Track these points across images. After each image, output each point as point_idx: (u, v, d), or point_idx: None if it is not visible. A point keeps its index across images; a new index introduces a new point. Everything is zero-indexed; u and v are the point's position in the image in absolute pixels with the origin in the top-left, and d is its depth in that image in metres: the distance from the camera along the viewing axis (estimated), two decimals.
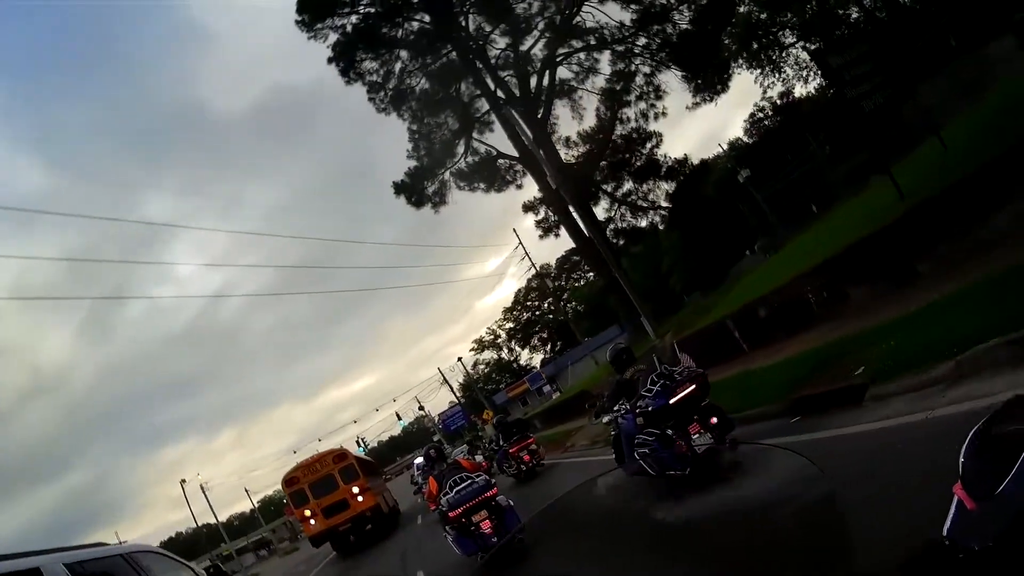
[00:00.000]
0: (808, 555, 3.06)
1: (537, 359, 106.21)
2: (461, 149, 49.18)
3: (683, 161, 52.06)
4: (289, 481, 29.04)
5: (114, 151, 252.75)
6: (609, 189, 52.67)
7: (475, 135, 49.29)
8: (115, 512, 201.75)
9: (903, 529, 2.59)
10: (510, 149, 47.82)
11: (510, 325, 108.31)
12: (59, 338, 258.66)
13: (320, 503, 28.14)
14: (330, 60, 45.63)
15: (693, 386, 9.16)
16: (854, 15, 39.06)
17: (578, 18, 46.28)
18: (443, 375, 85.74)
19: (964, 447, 1.84)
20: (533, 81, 47.86)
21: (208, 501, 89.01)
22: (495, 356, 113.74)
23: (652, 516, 7.63)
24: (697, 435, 9.04)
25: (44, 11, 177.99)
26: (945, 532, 1.75)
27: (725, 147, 51.79)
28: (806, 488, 3.44)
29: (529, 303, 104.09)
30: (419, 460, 26.81)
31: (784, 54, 42.22)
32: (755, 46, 42.12)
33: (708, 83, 44.84)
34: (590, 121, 50.69)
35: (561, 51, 47.34)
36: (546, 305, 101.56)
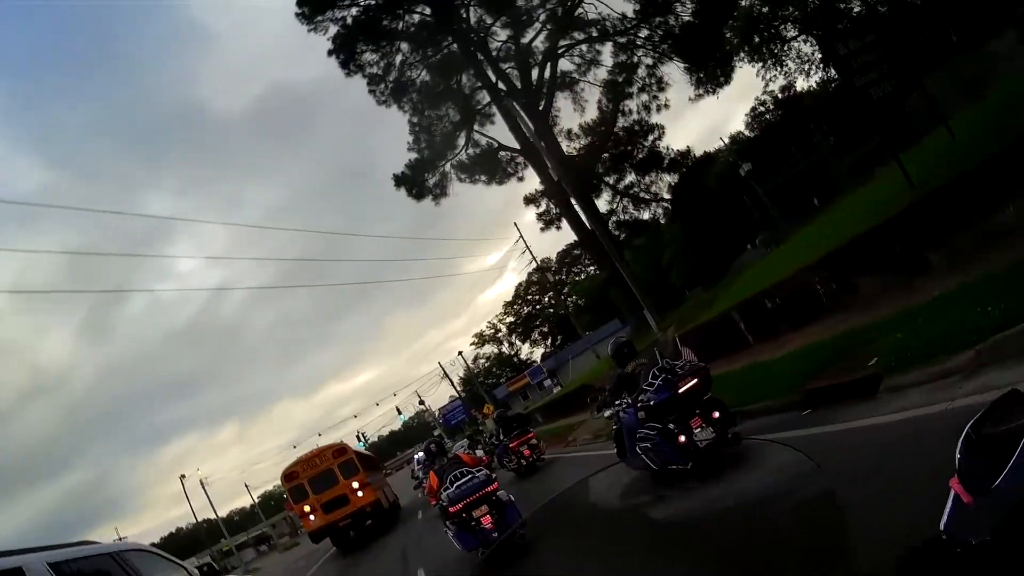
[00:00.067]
0: (807, 554, 3.02)
1: (538, 353, 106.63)
2: (462, 141, 49.00)
3: (685, 153, 51.79)
4: (288, 476, 28.78)
5: (114, 150, 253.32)
6: (611, 181, 52.48)
7: (476, 127, 49.09)
8: (116, 509, 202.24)
9: (915, 525, 2.32)
10: (511, 141, 47.67)
11: (511, 319, 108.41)
12: (60, 337, 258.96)
13: (320, 498, 27.89)
14: (330, 53, 45.44)
15: (695, 380, 9.14)
16: (856, 9, 38.77)
17: (580, 9, 46.04)
18: (443, 369, 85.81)
19: (960, 442, 1.88)
20: (534, 73, 47.61)
21: (208, 496, 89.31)
22: (496, 350, 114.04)
23: (652, 512, 7.57)
24: (699, 429, 8.97)
25: (44, 11, 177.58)
26: (942, 527, 1.80)
27: (726, 140, 51.55)
28: (805, 485, 3.43)
29: (530, 297, 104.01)
30: (419, 455, 26.64)
31: (786, 48, 41.96)
32: (757, 39, 41.84)
33: (711, 75, 44.54)
34: (592, 113, 50.52)
35: (563, 43, 47.09)
36: (547, 299, 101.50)
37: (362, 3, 45.11)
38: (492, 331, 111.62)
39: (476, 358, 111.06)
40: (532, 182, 52.88)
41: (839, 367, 10.96)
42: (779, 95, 48.05)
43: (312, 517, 28.00)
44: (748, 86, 76.87)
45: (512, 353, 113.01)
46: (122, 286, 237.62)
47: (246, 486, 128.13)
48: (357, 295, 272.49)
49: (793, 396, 11.23)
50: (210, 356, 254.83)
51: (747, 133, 51.83)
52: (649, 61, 47.12)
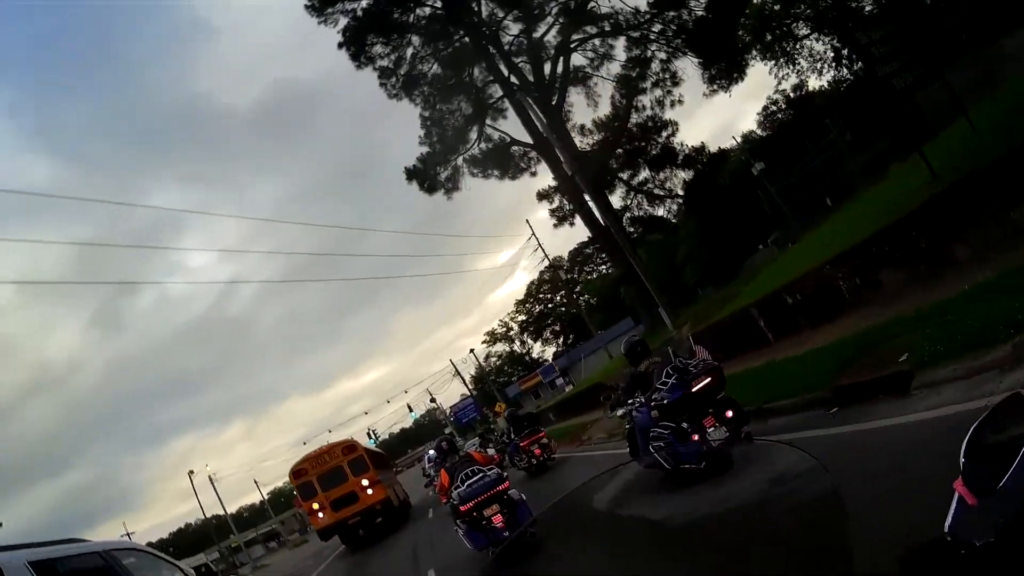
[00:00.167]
0: (812, 555, 2.98)
1: (549, 352, 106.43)
2: (474, 135, 48.77)
3: (700, 149, 51.34)
4: (297, 473, 28.48)
5: (123, 145, 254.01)
6: (625, 177, 52.09)
7: (488, 121, 48.87)
8: (125, 505, 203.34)
9: (925, 526, 2.20)
10: (524, 136, 47.44)
11: (522, 318, 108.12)
12: (69, 332, 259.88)
13: (329, 496, 27.54)
14: (340, 45, 45.23)
15: (709, 379, 9.09)
16: (867, 8, 38.33)
17: (592, 3, 45.74)
18: (455, 367, 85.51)
19: (964, 443, 1.87)
20: (547, 68, 47.44)
21: (216, 492, 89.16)
22: (507, 349, 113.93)
23: (663, 512, 7.53)
24: (712, 428, 8.93)
25: (51, 9, 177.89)
26: (947, 528, 1.77)
27: (738, 139, 51.26)
28: (812, 487, 3.32)
29: (542, 295, 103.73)
30: (431, 452, 26.31)
31: (798, 46, 41.53)
32: (769, 37, 41.43)
33: (724, 71, 44.08)
34: (605, 109, 50.17)
35: (575, 37, 46.84)
36: (559, 298, 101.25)
37: None
38: (504, 329, 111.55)
39: (488, 356, 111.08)
40: (544, 178, 53.03)
41: (867, 364, 10.57)
42: (791, 94, 47.82)
43: (321, 515, 27.63)
44: (759, 86, 76.63)
45: (524, 352, 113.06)
46: (132, 279, 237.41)
47: (255, 482, 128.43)
48: (367, 292, 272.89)
49: (820, 394, 10.88)
50: (220, 352, 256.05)
51: (759, 132, 51.56)
52: (663, 55, 46.81)
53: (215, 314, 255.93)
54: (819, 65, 41.49)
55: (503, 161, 50.02)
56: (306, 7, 44.60)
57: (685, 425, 8.99)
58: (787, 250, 36.89)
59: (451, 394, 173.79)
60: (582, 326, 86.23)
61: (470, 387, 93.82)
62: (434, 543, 18.27)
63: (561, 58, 47.03)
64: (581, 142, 49.83)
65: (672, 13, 44.82)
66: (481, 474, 11.32)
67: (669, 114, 49.20)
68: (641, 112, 49.26)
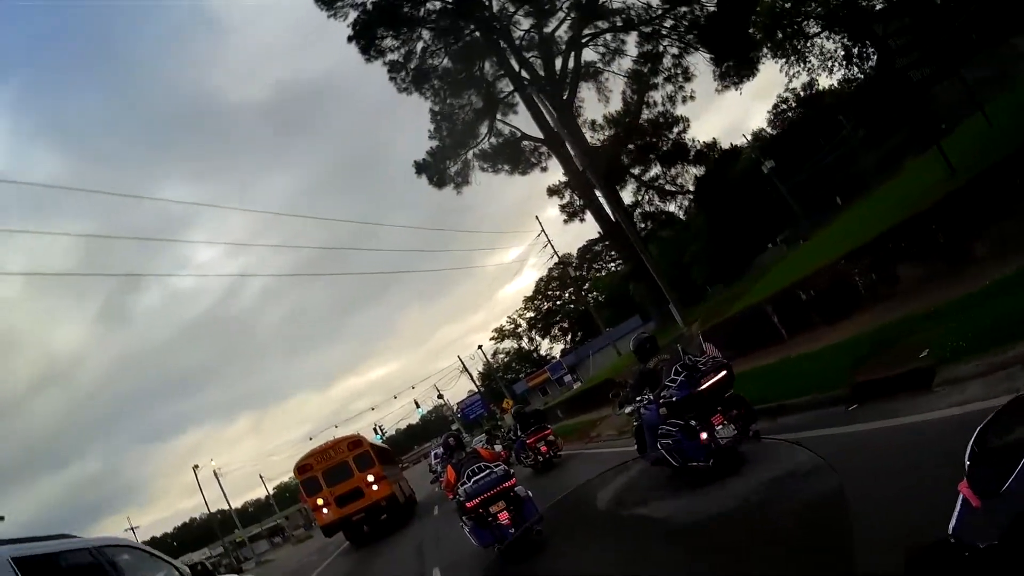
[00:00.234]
0: (816, 555, 3.08)
1: (557, 349, 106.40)
2: (484, 130, 48.84)
3: (712, 145, 51.18)
4: (301, 468, 28.15)
5: (130, 140, 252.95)
6: (636, 172, 52.06)
7: (499, 116, 48.96)
8: (130, 499, 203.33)
9: (931, 526, 2.35)
10: (535, 131, 47.58)
11: (531, 314, 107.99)
12: (76, 326, 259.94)
13: (333, 491, 27.23)
14: (350, 39, 45.31)
15: (717, 377, 9.11)
16: (878, 6, 38.00)
17: None
18: (463, 363, 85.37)
19: (969, 446, 1.96)
20: (558, 63, 47.47)
21: (221, 487, 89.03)
22: (515, 345, 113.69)
23: (669, 511, 7.38)
24: (721, 426, 8.94)
25: (56, 7, 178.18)
26: (951, 530, 1.80)
27: (748, 137, 51.03)
28: (820, 491, 3.47)
29: (550, 292, 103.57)
30: (438, 449, 26.02)
31: (809, 43, 41.21)
32: (780, 35, 41.13)
33: (736, 67, 43.83)
34: (616, 104, 50.17)
35: (587, 32, 46.89)
36: (567, 295, 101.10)
37: None
38: (512, 326, 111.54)
39: (495, 353, 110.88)
40: (555, 174, 52.90)
41: (885, 360, 10.32)
42: (801, 93, 47.62)
43: (325, 510, 27.34)
44: (768, 84, 76.23)
45: (532, 349, 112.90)
46: (139, 273, 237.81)
47: (260, 477, 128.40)
48: (376, 288, 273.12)
49: (838, 390, 10.60)
50: (227, 347, 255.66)
51: (769, 130, 51.32)
52: (675, 51, 46.75)
53: (222, 310, 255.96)
54: (830, 63, 41.23)
55: (513, 156, 50.02)
56: (315, 1, 44.53)
57: (694, 423, 8.92)
58: (797, 248, 36.82)
59: (458, 390, 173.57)
60: (590, 323, 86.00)
61: (477, 384, 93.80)
62: (440, 540, 18.19)
63: (572, 53, 47.06)
64: (592, 137, 49.94)
65: (684, 8, 44.83)
66: (488, 471, 11.14)
67: (680, 110, 49.32)
68: (652, 108, 49.30)
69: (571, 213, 54.95)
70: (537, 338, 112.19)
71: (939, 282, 12.71)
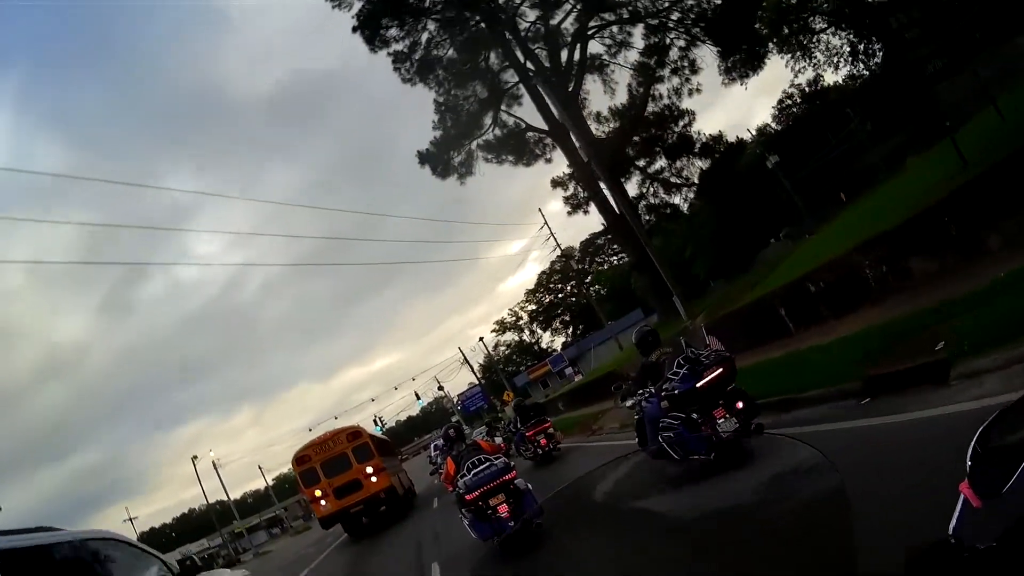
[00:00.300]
0: (815, 554, 2.96)
1: (558, 342, 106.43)
2: (488, 121, 48.72)
3: (718, 138, 50.91)
4: (300, 459, 27.92)
5: (135, 132, 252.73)
6: (641, 165, 51.89)
7: (503, 107, 48.82)
8: (131, 489, 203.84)
9: (934, 526, 2.15)
10: (539, 122, 47.45)
11: (532, 307, 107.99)
12: (78, 316, 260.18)
13: (332, 483, 27.03)
14: (355, 29, 45.07)
15: (720, 370, 9.07)
16: None
17: None
18: (464, 355, 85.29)
19: (971, 446, 2.00)
20: (564, 54, 47.30)
21: (220, 478, 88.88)
22: (516, 338, 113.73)
23: (667, 506, 7.29)
24: (722, 420, 8.88)
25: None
26: (951, 530, 1.80)
27: (753, 132, 50.76)
28: (819, 489, 3.36)
29: (552, 285, 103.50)
30: (438, 440, 25.84)
31: (815, 39, 40.98)
32: (786, 31, 40.90)
33: (744, 60, 43.55)
34: (622, 97, 50.03)
35: (593, 24, 46.79)
36: (569, 288, 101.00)
37: None
38: (513, 319, 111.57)
39: (496, 345, 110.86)
40: (559, 166, 52.97)
41: (899, 353, 10.09)
42: (806, 88, 47.53)
43: (323, 502, 27.14)
44: (774, 80, 75.96)
45: (533, 341, 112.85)
46: (142, 267, 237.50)
47: (259, 468, 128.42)
48: (377, 279, 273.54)
49: (850, 384, 10.38)
50: (228, 338, 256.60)
51: (774, 126, 51.09)
52: (682, 43, 46.57)
53: (225, 301, 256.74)
54: (835, 59, 41.04)
55: (518, 147, 49.92)
56: None
57: (695, 416, 8.94)
58: (800, 243, 36.63)
59: (459, 382, 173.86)
60: (592, 316, 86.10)
61: (478, 376, 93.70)
62: (439, 534, 18.08)
63: (578, 45, 46.95)
64: (597, 129, 49.81)
65: (691, 1, 44.67)
66: (488, 463, 11.11)
67: (686, 103, 49.09)
68: (658, 101, 49.11)
69: (575, 205, 54.89)
70: (538, 331, 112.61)
71: (952, 275, 12.53)
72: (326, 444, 28.10)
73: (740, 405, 9.00)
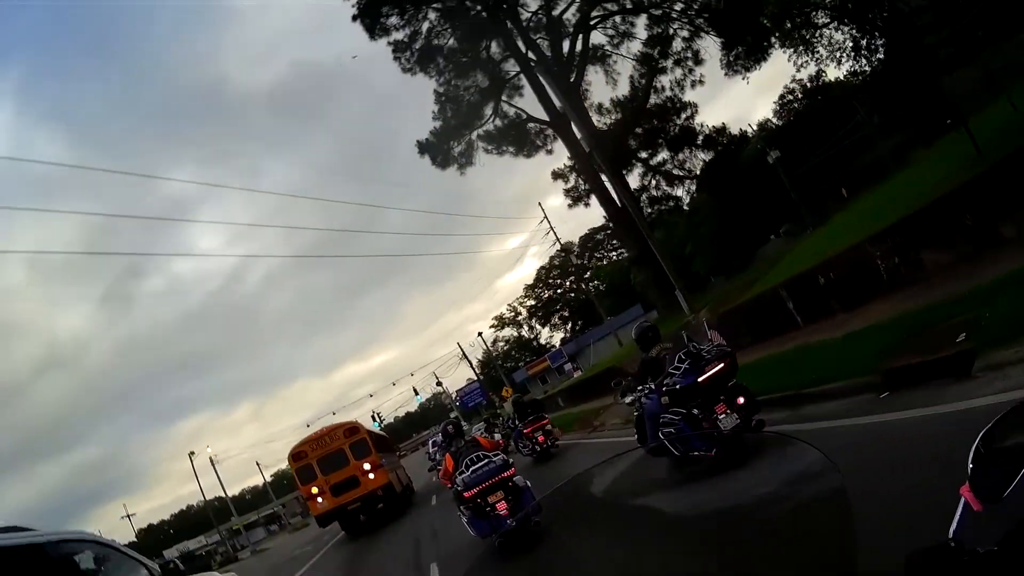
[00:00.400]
0: (812, 555, 2.77)
1: (557, 338, 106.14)
2: (489, 111, 48.55)
3: (721, 130, 50.58)
4: (296, 455, 27.49)
5: (136, 126, 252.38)
6: (643, 156, 51.64)
7: (504, 98, 48.64)
8: (130, 485, 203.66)
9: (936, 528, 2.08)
10: (540, 113, 47.24)
11: (531, 303, 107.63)
12: (78, 311, 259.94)
13: (328, 480, 26.58)
14: (355, 18, 44.81)
15: (722, 364, 9.07)
16: None
17: None
18: (462, 351, 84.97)
19: (973, 449, 1.88)
20: (566, 45, 47.09)
21: (217, 474, 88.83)
22: (515, 334, 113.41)
23: (662, 504, 6.87)
24: (723, 415, 8.97)
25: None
26: (951, 534, 1.76)
27: (754, 127, 50.44)
28: (819, 490, 2.96)
29: (551, 281, 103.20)
30: (436, 437, 25.50)
31: (818, 34, 40.70)
32: (789, 25, 40.61)
33: (747, 52, 43.24)
34: (624, 88, 49.79)
35: (595, 14, 46.53)
36: (568, 283, 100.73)
37: None
38: (512, 314, 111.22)
39: (495, 341, 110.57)
40: (559, 158, 52.79)
41: (918, 345, 9.75)
42: (808, 84, 47.41)
43: (320, 500, 26.69)
44: (775, 75, 75.78)
45: (532, 337, 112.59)
46: (142, 261, 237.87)
47: (257, 464, 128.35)
48: (376, 274, 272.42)
49: (868, 378, 10.00)
50: (227, 333, 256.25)
51: (775, 121, 50.86)
52: (685, 33, 46.27)
53: (224, 296, 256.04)
54: (838, 54, 40.77)
55: (519, 138, 49.72)
56: None
57: (696, 411, 9.03)
58: (801, 240, 36.35)
59: (457, 378, 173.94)
60: (591, 312, 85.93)
61: (477, 371, 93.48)
62: (437, 531, 17.91)
63: (580, 35, 46.68)
64: (598, 121, 49.65)
65: None
66: (486, 460, 11.10)
67: (689, 95, 48.87)
68: (661, 93, 48.91)
69: (576, 197, 54.71)
70: (537, 326, 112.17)
71: (967, 266, 12.17)
72: (323, 440, 27.64)
73: (741, 401, 9.02)
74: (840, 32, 39.00)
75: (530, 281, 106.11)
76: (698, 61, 46.01)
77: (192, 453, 73.21)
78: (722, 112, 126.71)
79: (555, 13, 46.07)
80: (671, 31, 46.05)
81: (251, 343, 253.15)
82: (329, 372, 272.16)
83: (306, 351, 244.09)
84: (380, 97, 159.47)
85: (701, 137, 50.28)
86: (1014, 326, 8.04)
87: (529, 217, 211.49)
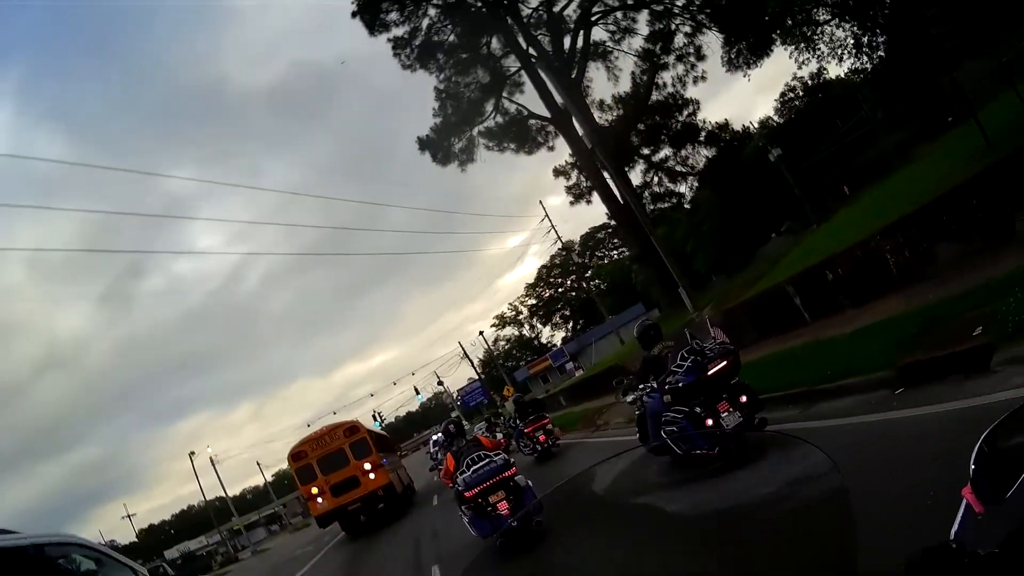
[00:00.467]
0: (811, 556, 2.77)
1: (558, 337, 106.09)
2: (490, 108, 48.30)
3: (724, 126, 50.36)
4: (296, 455, 27.21)
5: (135, 126, 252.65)
6: (646, 153, 51.35)
7: (505, 94, 48.45)
8: (131, 485, 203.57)
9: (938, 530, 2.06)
10: (541, 110, 47.08)
11: (532, 302, 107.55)
12: (77, 310, 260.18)
13: (329, 480, 26.31)
14: (354, 14, 44.59)
15: (725, 362, 9.12)
16: None
17: None
18: (464, 350, 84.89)
19: (975, 450, 1.87)
20: (567, 41, 46.90)
21: (218, 475, 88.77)
22: (516, 333, 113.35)
23: (669, 500, 6.67)
24: (726, 414, 8.99)
25: None
26: (952, 535, 1.76)
27: (755, 125, 50.24)
28: (819, 492, 3.01)
29: (552, 280, 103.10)
30: (437, 436, 25.31)
31: (819, 31, 40.59)
32: (790, 22, 40.48)
33: (750, 47, 42.98)
34: (625, 85, 49.62)
35: (596, 10, 46.31)
36: (569, 282, 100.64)
37: None
38: (513, 313, 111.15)
39: (496, 340, 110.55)
40: (560, 155, 52.80)
41: (933, 340, 9.50)
42: (808, 82, 47.39)
43: (320, 500, 26.42)
44: (772, 77, 75.81)
45: (533, 336, 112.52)
46: (143, 259, 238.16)
47: (258, 464, 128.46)
48: (377, 274, 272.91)
49: (882, 373, 9.78)
50: (227, 333, 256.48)
51: (776, 119, 50.68)
52: (687, 29, 45.98)
53: (224, 296, 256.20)
54: (839, 51, 40.62)
55: (520, 134, 49.48)
56: None
57: (699, 410, 9.05)
58: (803, 238, 36.16)
59: (459, 378, 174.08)
60: (592, 311, 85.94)
61: (478, 371, 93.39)
62: (438, 531, 17.79)
63: (581, 31, 46.46)
64: (600, 117, 49.40)
65: None
66: (488, 459, 11.10)
67: (691, 92, 48.62)
68: (662, 89, 48.61)
69: (577, 195, 54.37)
70: (538, 326, 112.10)
71: (979, 259, 11.89)
72: (323, 440, 27.35)
73: (744, 399, 9.05)
74: (841, 29, 38.94)
75: (531, 280, 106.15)
76: (700, 57, 45.71)
77: (192, 453, 73.20)
78: (722, 111, 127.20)
79: (556, 9, 45.85)
80: (673, 26, 45.83)
81: (251, 343, 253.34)
82: (329, 372, 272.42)
83: (306, 351, 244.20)
84: (380, 95, 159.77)
85: (704, 133, 49.98)
86: None
87: (530, 216, 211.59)
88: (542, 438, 22.22)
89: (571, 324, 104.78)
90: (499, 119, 48.46)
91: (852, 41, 36.42)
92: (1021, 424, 1.89)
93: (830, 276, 16.60)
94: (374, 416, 77.20)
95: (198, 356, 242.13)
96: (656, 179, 51.71)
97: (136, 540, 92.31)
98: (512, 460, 11.56)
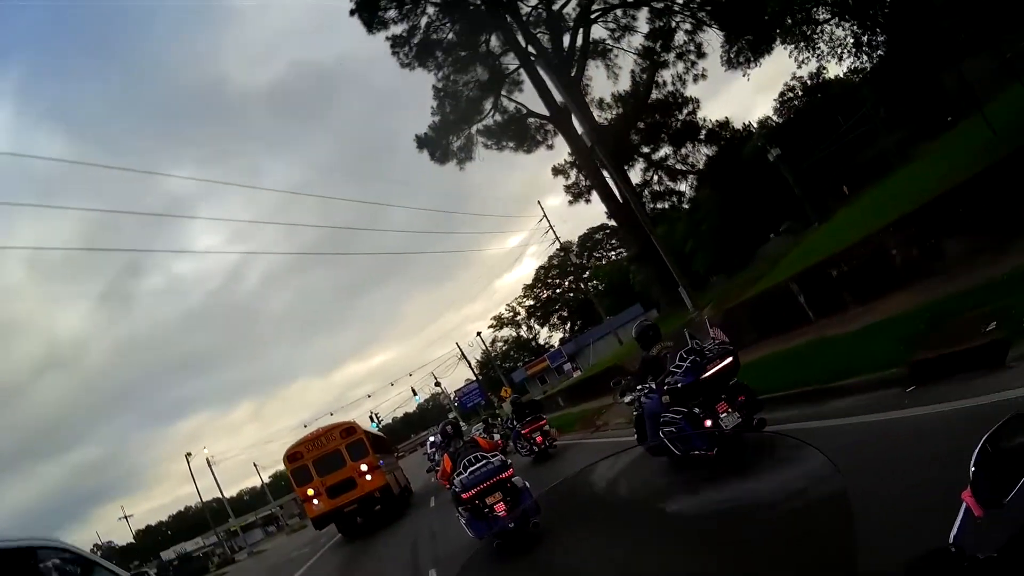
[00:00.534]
0: (809, 557, 2.60)
1: (556, 338, 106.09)
2: (488, 106, 48.22)
3: (724, 124, 50.23)
4: (292, 456, 26.98)
5: (135, 126, 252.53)
6: (646, 151, 51.27)
7: (504, 93, 48.38)
8: (129, 486, 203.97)
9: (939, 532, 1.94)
10: (540, 108, 46.98)
11: (530, 303, 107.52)
12: (77, 311, 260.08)
13: (325, 481, 26.10)
14: (352, 12, 44.44)
15: (724, 362, 9.08)
16: None
17: None
18: (461, 351, 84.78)
19: (975, 453, 1.82)
20: (566, 39, 46.77)
21: (214, 475, 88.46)
22: (514, 334, 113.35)
23: (668, 501, 6.47)
24: (725, 414, 8.95)
25: None
26: (951, 539, 1.74)
27: (754, 125, 50.11)
28: (818, 493, 2.93)
29: (550, 280, 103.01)
30: (435, 437, 25.12)
31: (819, 30, 40.51)
32: (789, 21, 40.38)
33: (750, 45, 42.81)
34: (625, 83, 49.53)
35: (596, 8, 46.30)
36: (567, 283, 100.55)
37: None
38: (511, 314, 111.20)
39: (494, 341, 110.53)
40: (559, 153, 52.82)
41: (944, 337, 9.28)
42: (808, 81, 47.19)
43: (316, 502, 26.23)
44: (771, 77, 75.74)
45: (531, 337, 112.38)
46: (142, 259, 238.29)
47: (255, 465, 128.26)
48: (375, 274, 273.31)
49: (892, 371, 9.56)
50: (227, 333, 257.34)
51: (775, 119, 50.58)
52: (687, 27, 45.89)
53: (224, 297, 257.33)
54: (839, 50, 40.53)
55: (519, 133, 49.38)
56: None
57: (697, 410, 9.03)
58: (802, 238, 36.03)
59: (456, 379, 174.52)
60: (590, 312, 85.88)
61: (476, 372, 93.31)
62: (435, 533, 17.75)
63: (581, 29, 46.34)
64: (600, 116, 49.30)
65: None
66: (484, 461, 11.06)
67: (691, 90, 48.58)
68: (662, 88, 48.50)
69: (576, 194, 54.21)
70: (536, 327, 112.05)
71: (987, 255, 11.70)
72: (319, 441, 27.16)
73: (742, 399, 9.03)
74: (841, 28, 38.83)
75: (529, 281, 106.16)
76: (700, 54, 45.59)
77: (189, 455, 72.73)
78: (722, 110, 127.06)
79: (555, 7, 45.76)
80: (673, 24, 45.73)
81: (251, 343, 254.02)
82: (328, 372, 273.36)
83: (305, 351, 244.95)
84: (379, 94, 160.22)
85: (704, 132, 49.90)
86: None
87: (528, 216, 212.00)
88: (539, 439, 22.25)
89: (569, 325, 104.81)
90: (498, 117, 48.42)
91: (852, 40, 36.38)
92: (1022, 427, 1.86)
93: (834, 273, 16.42)
94: (371, 417, 77.33)
95: (198, 356, 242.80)
96: (656, 178, 51.68)
97: (133, 541, 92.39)
98: (509, 461, 11.50)
